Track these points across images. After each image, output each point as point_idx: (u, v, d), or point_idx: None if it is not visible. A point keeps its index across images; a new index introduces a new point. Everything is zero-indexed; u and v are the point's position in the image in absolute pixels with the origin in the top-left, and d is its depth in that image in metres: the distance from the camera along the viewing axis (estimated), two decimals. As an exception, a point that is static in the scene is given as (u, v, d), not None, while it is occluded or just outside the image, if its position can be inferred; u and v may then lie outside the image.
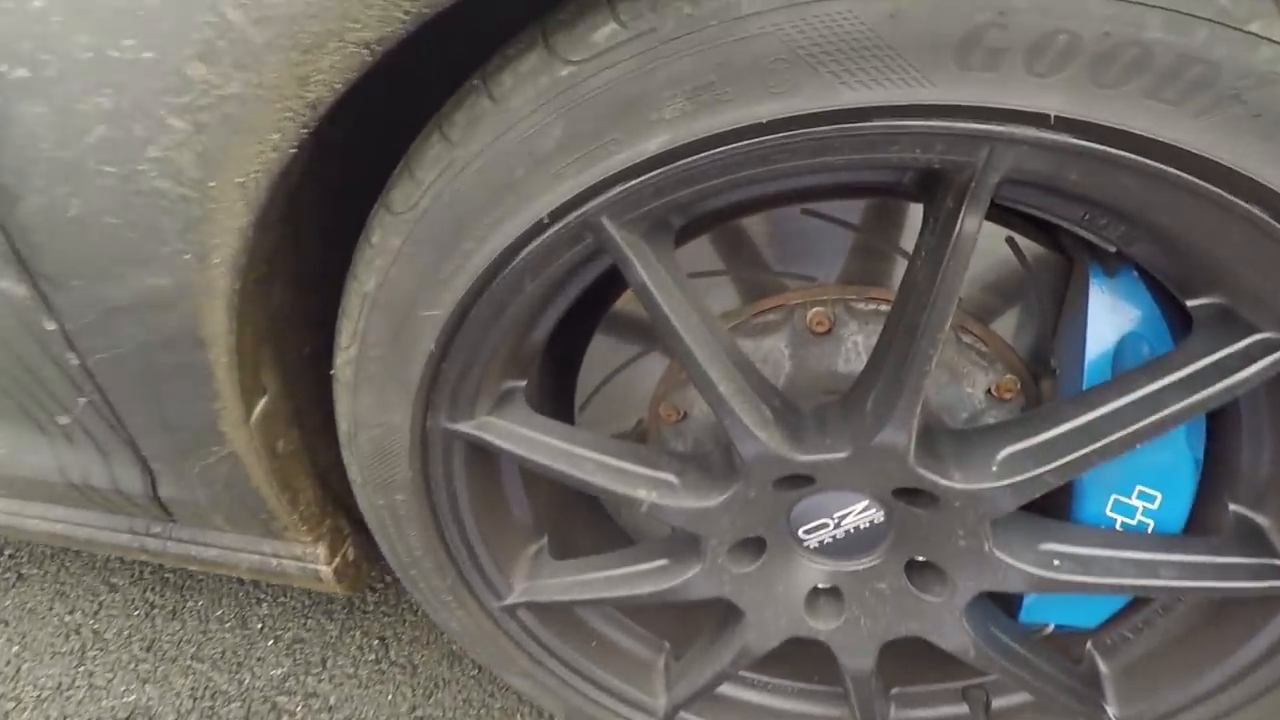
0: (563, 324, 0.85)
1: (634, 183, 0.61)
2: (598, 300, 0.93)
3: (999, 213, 0.78)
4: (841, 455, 0.75)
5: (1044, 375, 0.86)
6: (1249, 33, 0.49)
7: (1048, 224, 0.81)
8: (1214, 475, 0.81)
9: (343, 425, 0.85)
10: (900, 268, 0.84)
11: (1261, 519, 0.79)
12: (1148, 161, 0.53)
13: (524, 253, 0.67)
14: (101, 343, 0.78)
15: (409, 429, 0.81)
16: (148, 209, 0.65)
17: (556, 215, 0.63)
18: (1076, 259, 0.79)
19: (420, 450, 0.84)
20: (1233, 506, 0.80)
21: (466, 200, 0.65)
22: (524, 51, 0.60)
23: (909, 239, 0.83)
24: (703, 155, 0.59)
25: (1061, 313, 0.83)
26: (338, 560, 1.11)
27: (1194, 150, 0.52)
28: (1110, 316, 0.75)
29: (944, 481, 0.74)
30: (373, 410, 0.82)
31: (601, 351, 0.96)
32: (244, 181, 0.62)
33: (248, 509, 1.00)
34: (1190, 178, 0.54)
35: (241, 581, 1.57)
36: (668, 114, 0.57)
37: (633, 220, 0.65)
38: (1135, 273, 0.75)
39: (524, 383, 0.86)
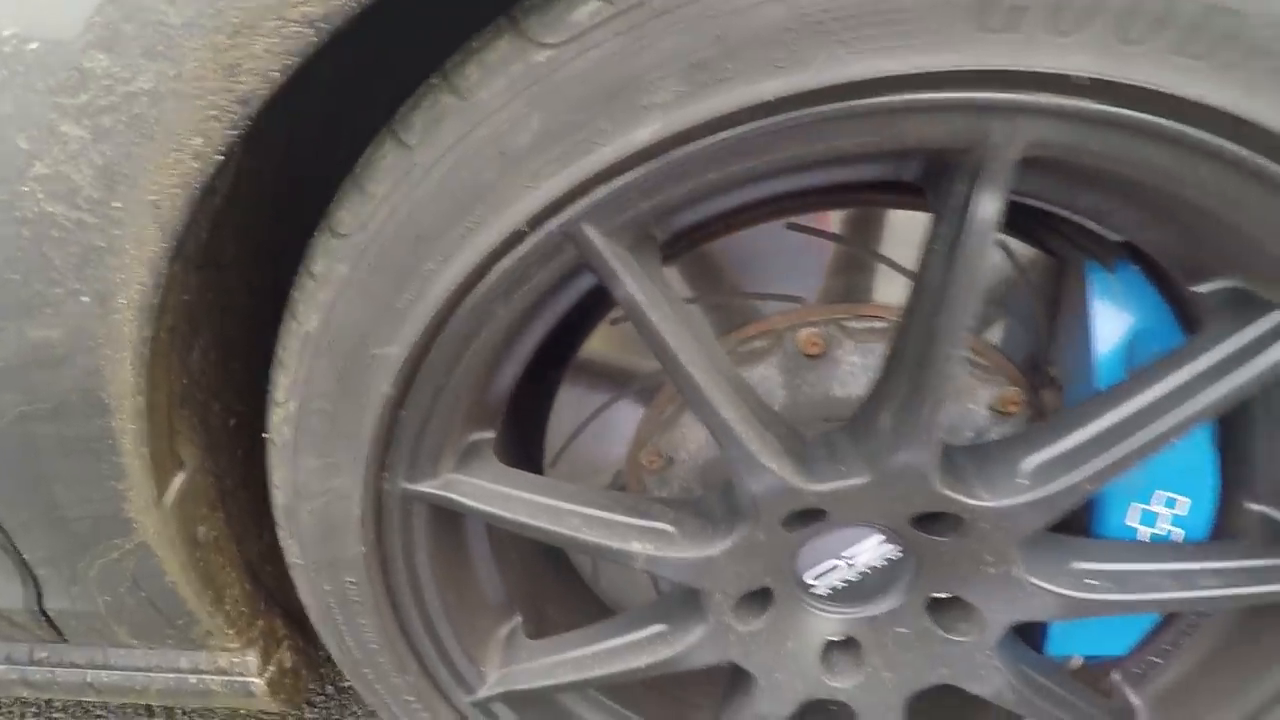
0: (526, 377, 0.76)
1: (623, 180, 0.54)
2: (560, 351, 0.85)
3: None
4: (860, 481, 0.67)
5: (1043, 385, 0.82)
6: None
7: (1034, 224, 0.79)
8: (1230, 475, 0.77)
9: (280, 498, 0.73)
10: (887, 280, 0.80)
11: (1285, 517, 0.76)
12: (1177, 125, 0.50)
13: (496, 270, 0.59)
14: (-31, 417, 0.65)
15: (361, 494, 0.70)
16: (34, 241, 0.54)
17: (535, 222, 0.56)
18: (1069, 258, 0.77)
19: (374, 519, 0.72)
20: (1254, 506, 0.77)
21: (428, 213, 0.56)
22: (492, 40, 0.53)
23: (894, 249, 0.79)
24: (700, 143, 0.52)
25: (1057, 318, 0.80)
26: (272, 669, 0.94)
27: (1224, 108, 0.49)
28: (1115, 315, 0.72)
29: (972, 501, 0.68)
30: (317, 475, 0.70)
31: (568, 404, 0.87)
32: (157, 199, 0.52)
33: (161, 615, 0.84)
34: (1221, 140, 0.51)
35: (145, 709, 1.34)
36: (660, 98, 0.51)
37: (617, 229, 0.58)
38: (1134, 266, 0.72)
39: (492, 434, 0.76)
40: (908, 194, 0.73)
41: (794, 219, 0.75)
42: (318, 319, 0.62)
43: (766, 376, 0.80)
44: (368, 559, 0.74)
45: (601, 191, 0.55)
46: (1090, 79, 0.48)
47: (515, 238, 0.56)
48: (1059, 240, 0.76)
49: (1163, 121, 0.50)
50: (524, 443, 0.92)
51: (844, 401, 0.79)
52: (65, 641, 0.91)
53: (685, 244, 0.80)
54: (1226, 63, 0.48)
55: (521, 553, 0.94)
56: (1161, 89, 0.48)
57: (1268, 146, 0.51)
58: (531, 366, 0.76)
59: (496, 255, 0.58)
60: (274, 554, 0.83)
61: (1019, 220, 0.77)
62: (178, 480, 0.74)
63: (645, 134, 0.52)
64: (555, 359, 0.87)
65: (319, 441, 0.68)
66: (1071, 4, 0.47)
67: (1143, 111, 0.50)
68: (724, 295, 0.80)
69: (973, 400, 0.81)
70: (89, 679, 0.96)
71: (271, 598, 0.95)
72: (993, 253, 0.56)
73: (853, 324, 0.78)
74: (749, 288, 0.80)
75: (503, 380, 0.74)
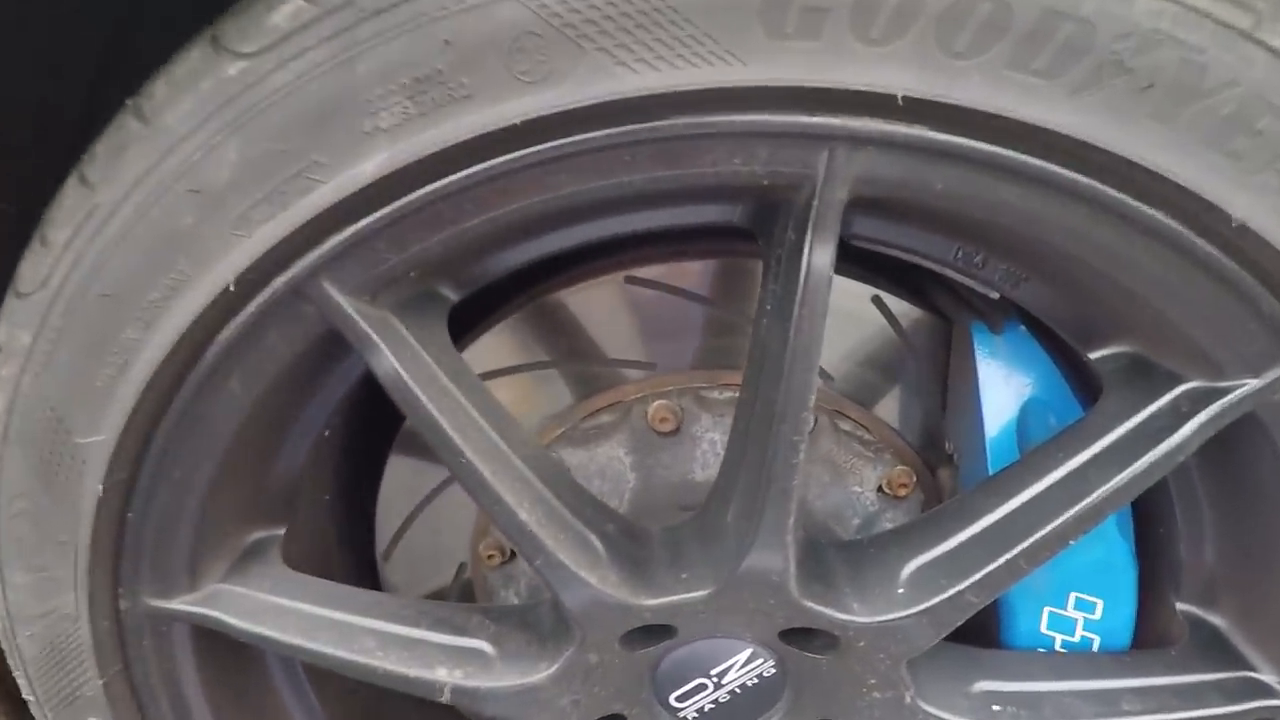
0: (342, 445, 0.64)
1: (355, 227, 0.43)
2: (389, 411, 0.73)
3: (860, 267, 0.65)
4: (702, 594, 0.55)
5: (940, 463, 0.71)
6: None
7: (918, 280, 0.69)
8: (1151, 571, 0.66)
9: (-4, 620, 0.59)
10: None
11: (1217, 619, 0.64)
12: (1023, 157, 0.41)
13: (218, 340, 0.47)
14: None
15: (90, 614, 0.56)
16: None
17: (248, 281, 0.44)
18: (955, 319, 0.66)
19: (116, 644, 0.58)
20: (1181, 606, 0.65)
21: (117, 266, 0.45)
22: (185, 52, 0.42)
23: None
24: (443, 181, 0.42)
25: (948, 386, 0.69)
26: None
27: (1077, 137, 0.40)
28: (1005, 383, 0.61)
29: (841, 615, 0.55)
30: (31, 594, 0.56)
31: (400, 485, 0.74)
32: None
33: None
34: (1078, 176, 0.41)
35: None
36: (384, 121, 0.40)
37: (371, 285, 0.46)
38: (1023, 326, 0.62)
39: (279, 531, 0.63)
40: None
41: (633, 272, 0.65)
42: (4, 400, 0.49)
43: (613, 458, 0.68)
44: (112, 694, 0.60)
45: (333, 240, 0.43)
46: (910, 98, 0.38)
47: (227, 298, 0.45)
48: (945, 297, 0.66)
49: (1012, 154, 0.40)
50: (352, 536, 0.78)
51: (704, 487, 0.67)
52: None
53: (520, 297, 0.68)
54: (1076, 83, 0.38)
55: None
56: (1001, 113, 0.38)
57: (1141, 186, 0.41)
58: (356, 438, 0.64)
59: (212, 321, 0.46)
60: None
61: (898, 274, 0.67)
62: None
63: (371, 167, 0.41)
64: (383, 429, 0.74)
65: (26, 552, 0.54)
66: (883, 5, 0.37)
67: (985, 141, 0.40)
68: (560, 361, 0.68)
69: (858, 481, 0.69)
70: None
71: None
72: (826, 314, 0.45)
73: (712, 394, 0.67)
74: (595, 351, 0.69)
75: (285, 465, 0.61)
